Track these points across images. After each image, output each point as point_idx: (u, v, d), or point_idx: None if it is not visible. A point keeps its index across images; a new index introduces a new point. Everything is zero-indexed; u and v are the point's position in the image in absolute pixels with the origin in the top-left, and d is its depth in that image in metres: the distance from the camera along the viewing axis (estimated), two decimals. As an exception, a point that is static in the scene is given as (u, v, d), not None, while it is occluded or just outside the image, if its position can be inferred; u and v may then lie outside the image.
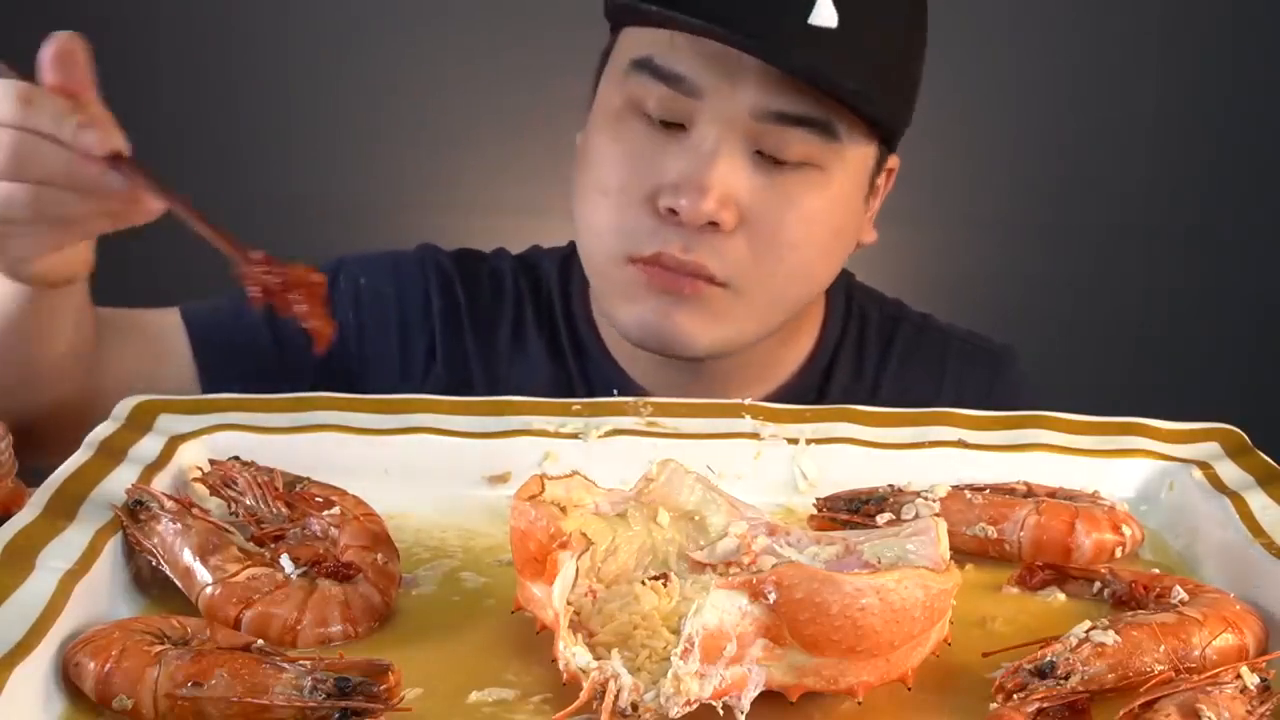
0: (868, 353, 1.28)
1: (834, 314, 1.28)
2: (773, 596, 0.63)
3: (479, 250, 1.33)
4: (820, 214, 1.10)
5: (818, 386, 1.25)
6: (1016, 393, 1.28)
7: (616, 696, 0.62)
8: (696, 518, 0.79)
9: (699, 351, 1.13)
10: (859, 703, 0.68)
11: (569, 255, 1.27)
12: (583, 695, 0.63)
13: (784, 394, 1.23)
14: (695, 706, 0.63)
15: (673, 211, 1.07)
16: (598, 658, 0.64)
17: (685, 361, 1.16)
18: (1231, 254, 2.50)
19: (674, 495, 0.79)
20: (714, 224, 1.07)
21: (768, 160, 1.08)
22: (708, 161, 1.06)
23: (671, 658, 0.63)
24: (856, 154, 1.11)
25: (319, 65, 2.35)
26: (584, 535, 0.72)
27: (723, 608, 0.64)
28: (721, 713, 0.65)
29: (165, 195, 0.86)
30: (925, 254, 2.37)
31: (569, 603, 0.68)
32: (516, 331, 1.27)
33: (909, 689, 0.69)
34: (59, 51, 0.85)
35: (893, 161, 1.19)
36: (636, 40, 1.10)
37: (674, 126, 1.08)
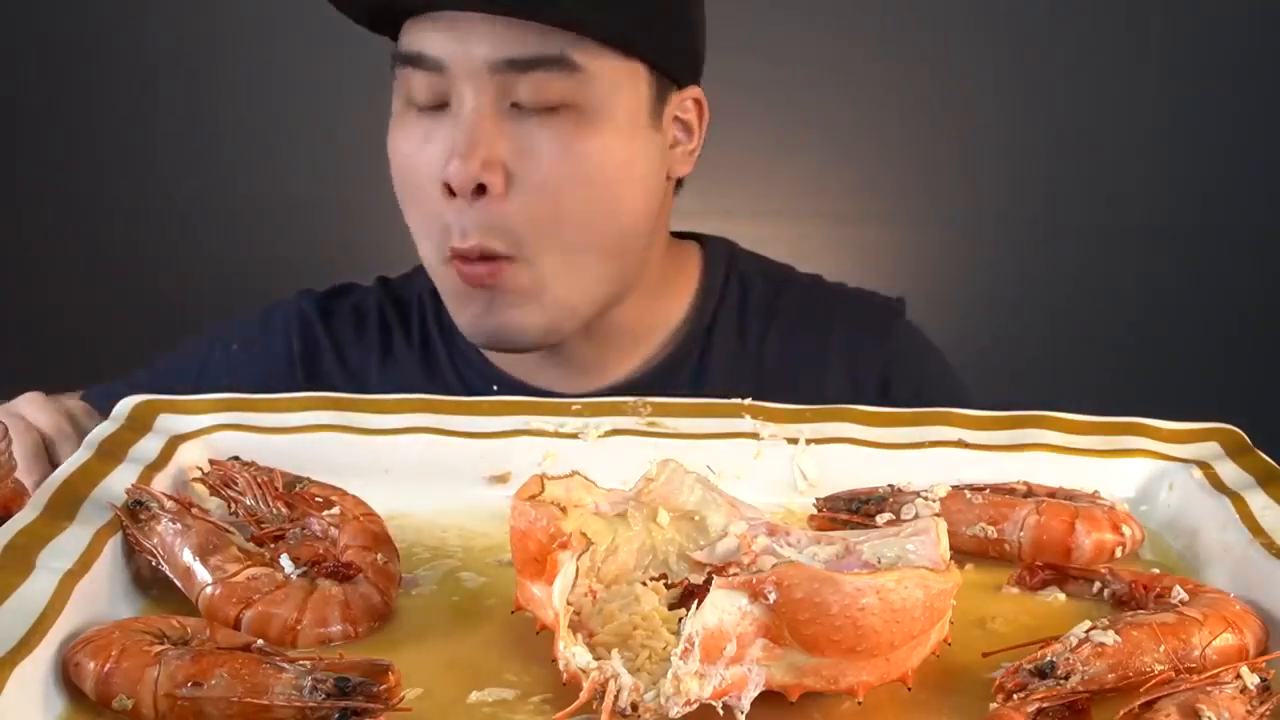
0: (750, 316, 1.28)
1: (711, 279, 1.28)
2: (773, 596, 0.63)
3: (353, 284, 1.33)
4: (593, 153, 1.10)
5: (699, 352, 1.26)
6: (910, 346, 1.29)
7: (616, 696, 0.62)
8: (696, 518, 0.79)
9: (533, 339, 1.14)
10: (859, 703, 0.68)
11: None
12: (583, 695, 0.63)
13: (663, 362, 1.24)
14: (695, 706, 0.63)
15: (449, 188, 1.08)
16: (598, 658, 0.64)
17: (553, 348, 1.17)
18: (1231, 254, 2.49)
19: (674, 495, 0.79)
20: (483, 187, 1.07)
21: (526, 112, 1.08)
22: (465, 125, 1.07)
23: (671, 658, 0.63)
24: (615, 87, 1.10)
25: (320, 64, 2.35)
26: (584, 535, 0.72)
27: (723, 608, 0.64)
28: (721, 713, 0.65)
29: None
30: (924, 253, 2.37)
31: (569, 603, 0.68)
32: (385, 359, 1.28)
33: (909, 689, 0.69)
34: None
35: (694, 93, 1.18)
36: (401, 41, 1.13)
37: (440, 110, 1.10)
